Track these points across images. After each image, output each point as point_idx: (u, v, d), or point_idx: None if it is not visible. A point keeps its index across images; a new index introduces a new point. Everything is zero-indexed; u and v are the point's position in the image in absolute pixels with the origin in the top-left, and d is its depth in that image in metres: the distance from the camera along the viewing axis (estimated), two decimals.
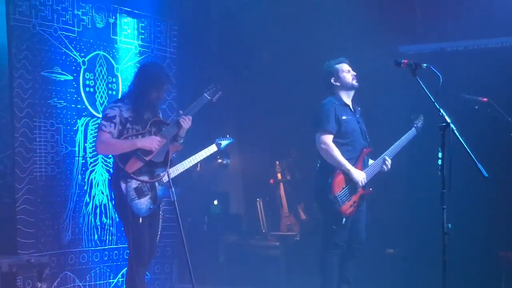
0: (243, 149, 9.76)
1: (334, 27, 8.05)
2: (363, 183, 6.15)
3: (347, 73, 6.26)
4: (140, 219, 5.53)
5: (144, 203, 5.56)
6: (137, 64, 6.90)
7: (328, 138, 6.14)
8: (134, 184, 5.52)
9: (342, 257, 6.28)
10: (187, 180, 8.33)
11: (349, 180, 6.11)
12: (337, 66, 6.27)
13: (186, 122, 5.65)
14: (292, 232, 8.83)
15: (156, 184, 5.64)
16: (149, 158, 5.55)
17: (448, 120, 4.40)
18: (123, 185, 5.47)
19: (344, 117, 6.21)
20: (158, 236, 5.87)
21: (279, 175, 9.11)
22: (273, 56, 9.05)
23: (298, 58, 8.62)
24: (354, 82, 6.28)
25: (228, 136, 6.65)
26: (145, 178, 5.58)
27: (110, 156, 6.14)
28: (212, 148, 6.49)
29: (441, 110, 4.45)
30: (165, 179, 5.66)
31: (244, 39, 8.82)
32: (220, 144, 6.54)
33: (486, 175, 4.40)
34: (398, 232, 7.94)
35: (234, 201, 9.75)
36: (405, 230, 7.88)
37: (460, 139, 4.39)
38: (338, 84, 6.28)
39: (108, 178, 5.91)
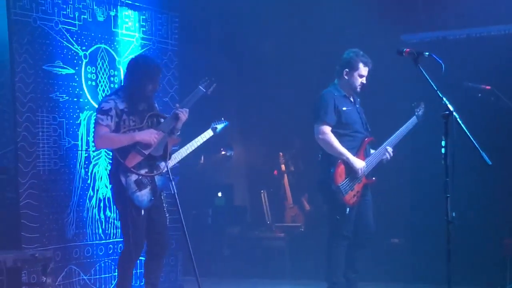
0: (247, 140, 9.77)
1: (336, 16, 8.04)
2: (363, 172, 6.14)
3: (360, 77, 6.22)
4: (142, 211, 5.55)
5: (145, 194, 5.58)
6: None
7: (327, 129, 6.14)
8: (134, 177, 5.53)
9: (349, 246, 6.27)
10: (190, 173, 8.35)
11: (351, 169, 6.11)
12: (360, 65, 6.19)
13: (184, 115, 5.66)
14: (296, 223, 8.84)
15: (155, 176, 5.66)
16: (148, 152, 5.55)
17: (451, 108, 4.39)
18: (123, 179, 5.49)
19: (344, 108, 6.21)
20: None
21: (283, 166, 9.12)
22: (275, 47, 9.04)
23: (301, 49, 8.62)
24: (358, 88, 6.27)
25: (223, 119, 6.62)
26: (145, 171, 5.59)
27: None
28: (208, 133, 6.46)
29: (444, 99, 4.44)
30: (164, 171, 5.67)
31: (246, 30, 8.81)
32: (216, 128, 6.50)
33: (489, 163, 4.40)
34: (402, 222, 7.95)
35: (238, 193, 9.77)
36: (410, 219, 7.89)
37: (463, 127, 4.38)
38: (346, 78, 6.25)
39: (108, 172, 5.91)
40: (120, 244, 6.68)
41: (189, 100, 5.76)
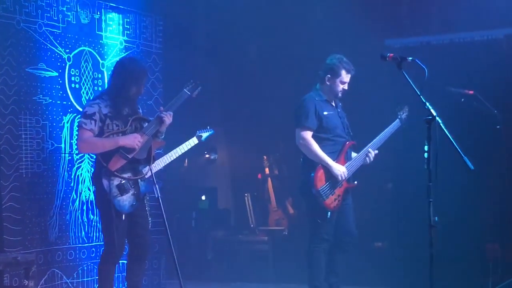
0: (231, 144, 9.76)
1: (320, 21, 8.07)
2: (343, 177, 6.15)
3: (342, 84, 6.24)
4: (123, 216, 5.54)
5: (126, 199, 5.56)
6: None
7: (307, 134, 6.15)
8: (116, 181, 5.51)
9: (330, 250, 6.29)
10: (174, 176, 8.33)
11: (331, 174, 6.12)
12: (342, 72, 6.20)
13: (168, 118, 5.66)
14: (280, 227, 8.84)
15: (139, 180, 5.65)
16: (132, 155, 5.54)
17: (434, 113, 4.40)
18: (105, 182, 5.47)
19: (325, 113, 6.22)
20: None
21: (267, 170, 9.13)
22: (260, 51, 9.05)
23: (285, 52, 8.63)
24: (340, 94, 6.29)
25: (208, 127, 6.63)
26: (128, 175, 5.58)
27: None
28: (193, 141, 6.47)
29: (427, 104, 4.45)
30: (148, 175, 5.66)
31: (231, 33, 8.80)
32: (201, 136, 6.52)
33: (472, 167, 4.42)
34: (385, 226, 7.96)
35: (222, 196, 9.76)
36: (393, 223, 7.91)
37: (446, 132, 4.40)
38: (328, 83, 6.27)
39: (90, 175, 5.89)
40: (103, 248, 6.66)
41: (174, 103, 5.76)
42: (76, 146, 6.29)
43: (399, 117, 6.52)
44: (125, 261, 5.93)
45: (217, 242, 8.88)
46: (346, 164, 6.22)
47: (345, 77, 6.22)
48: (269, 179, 9.08)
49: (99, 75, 6.82)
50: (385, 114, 6.88)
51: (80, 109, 6.47)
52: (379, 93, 7.58)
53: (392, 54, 4.74)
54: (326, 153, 6.14)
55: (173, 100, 5.77)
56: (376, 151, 6.33)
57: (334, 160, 6.16)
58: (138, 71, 5.66)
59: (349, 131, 6.40)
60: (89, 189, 6.58)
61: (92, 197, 6.53)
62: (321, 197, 6.07)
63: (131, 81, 5.60)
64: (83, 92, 6.64)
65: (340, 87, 6.24)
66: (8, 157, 5.88)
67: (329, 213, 6.12)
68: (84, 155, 6.56)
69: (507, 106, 6.86)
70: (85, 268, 6.61)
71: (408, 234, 7.40)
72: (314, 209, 6.17)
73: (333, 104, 6.36)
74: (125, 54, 7.00)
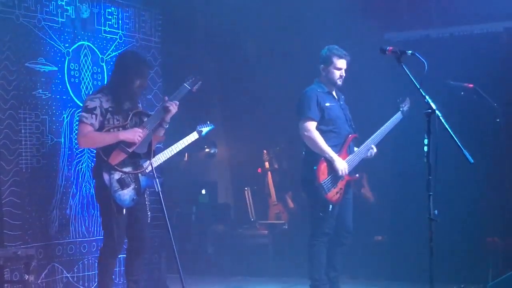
0: (231, 138, 9.77)
1: (320, 14, 8.05)
2: (344, 173, 6.15)
3: (337, 70, 6.23)
4: (124, 210, 5.54)
5: (127, 194, 5.56)
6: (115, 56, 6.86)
7: (311, 125, 6.16)
8: (117, 175, 5.51)
9: (329, 244, 6.29)
10: (174, 170, 8.34)
11: (333, 167, 6.12)
12: (334, 58, 6.21)
13: (173, 107, 5.65)
14: (280, 221, 8.85)
15: (139, 174, 5.65)
16: (132, 149, 5.54)
17: (434, 106, 4.40)
18: (106, 177, 5.47)
19: (327, 104, 6.23)
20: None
21: (266, 164, 9.14)
22: (259, 45, 9.04)
23: (285, 47, 8.62)
24: (338, 82, 6.28)
25: (209, 122, 6.62)
26: (128, 169, 5.58)
27: None
28: (194, 136, 6.46)
29: (427, 97, 4.45)
30: (148, 169, 5.66)
31: (230, 26, 8.79)
32: (201, 131, 6.52)
33: (472, 161, 4.42)
34: (385, 219, 7.97)
35: (222, 190, 9.77)
36: (393, 217, 7.91)
37: (446, 125, 4.39)
38: (324, 74, 6.29)
39: (90, 169, 5.89)
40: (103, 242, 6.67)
41: (174, 97, 5.75)
42: (76, 141, 6.28)
43: (401, 109, 6.52)
44: (124, 255, 5.94)
45: (217, 236, 8.89)
46: (348, 158, 6.22)
47: (338, 62, 6.22)
48: (269, 173, 9.09)
49: (99, 70, 6.81)
50: (386, 106, 6.88)
51: (80, 104, 6.46)
52: (379, 86, 7.58)
53: (391, 48, 4.73)
54: (328, 146, 6.14)
55: (173, 94, 5.76)
56: (375, 150, 6.34)
57: (336, 153, 6.16)
58: (140, 64, 5.66)
59: (352, 123, 6.40)
60: (89, 184, 6.58)
61: (92, 191, 6.53)
62: (323, 190, 6.07)
63: (134, 74, 5.60)
64: (82, 87, 6.63)
65: (336, 73, 6.23)
66: (8, 152, 5.88)
67: (331, 206, 6.12)
68: (84, 150, 6.55)
69: (506, 99, 6.86)
70: (86, 262, 6.61)
71: (408, 228, 7.41)
72: (316, 202, 6.17)
73: (335, 96, 6.36)
74: (124, 48, 6.98)
